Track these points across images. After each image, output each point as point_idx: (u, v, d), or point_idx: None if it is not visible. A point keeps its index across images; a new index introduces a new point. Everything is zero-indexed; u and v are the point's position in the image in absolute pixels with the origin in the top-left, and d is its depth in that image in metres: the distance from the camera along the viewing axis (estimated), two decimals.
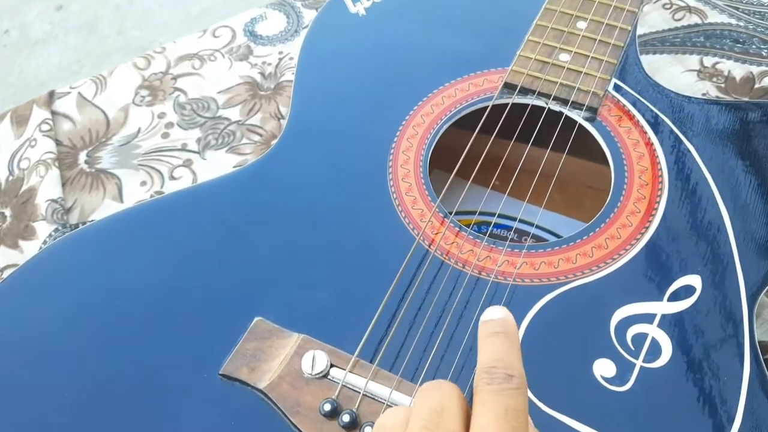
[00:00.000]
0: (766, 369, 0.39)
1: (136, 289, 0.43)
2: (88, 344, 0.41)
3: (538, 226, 0.55)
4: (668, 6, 0.73)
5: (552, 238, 0.55)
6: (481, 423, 0.29)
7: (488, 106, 0.52)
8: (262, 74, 0.69)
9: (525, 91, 0.53)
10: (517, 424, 0.29)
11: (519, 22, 0.57)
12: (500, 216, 0.53)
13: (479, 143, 0.50)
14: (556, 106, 0.52)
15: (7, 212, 0.60)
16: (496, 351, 0.32)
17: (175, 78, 0.69)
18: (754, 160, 0.49)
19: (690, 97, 0.53)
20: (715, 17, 0.72)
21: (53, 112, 0.67)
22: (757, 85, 0.66)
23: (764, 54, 0.68)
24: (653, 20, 0.72)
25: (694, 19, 0.72)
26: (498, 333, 0.33)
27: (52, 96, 0.68)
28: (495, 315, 0.34)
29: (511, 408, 0.30)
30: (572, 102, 0.52)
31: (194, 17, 1.08)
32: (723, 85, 0.66)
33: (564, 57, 0.54)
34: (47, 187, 0.61)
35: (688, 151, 0.50)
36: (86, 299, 0.43)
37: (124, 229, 0.47)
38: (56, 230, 0.58)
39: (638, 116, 0.52)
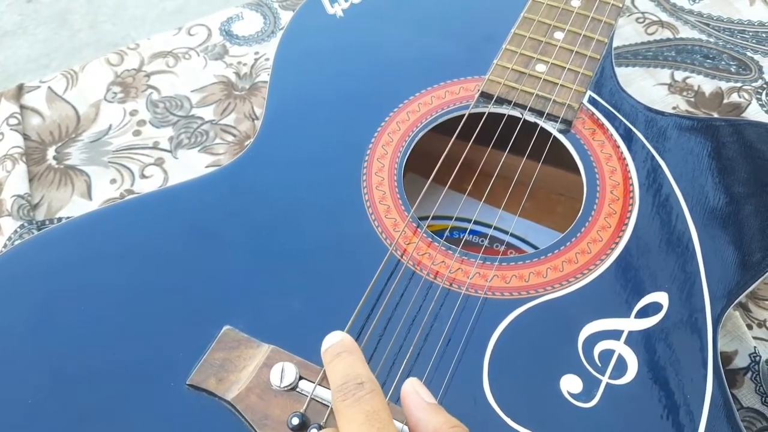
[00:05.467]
0: (727, 386, 0.40)
1: (104, 293, 0.43)
2: (51, 347, 0.40)
3: (512, 234, 0.56)
4: (641, 20, 0.74)
5: (523, 245, 0.56)
6: None
7: (464, 115, 0.52)
8: (237, 74, 0.68)
9: (501, 101, 0.53)
10: (381, 424, 0.32)
11: (497, 30, 0.57)
12: (474, 222, 0.53)
13: (455, 149, 0.50)
14: (531, 117, 0.52)
15: None
16: (341, 368, 0.35)
17: (148, 75, 0.68)
18: (723, 178, 0.50)
19: (663, 112, 0.54)
20: (686, 32, 0.73)
21: (22, 106, 0.65)
22: (725, 101, 0.67)
23: (733, 70, 0.69)
24: (626, 33, 0.73)
25: (666, 33, 0.73)
26: (339, 353, 0.36)
27: (21, 89, 0.67)
28: (332, 340, 0.36)
29: (371, 412, 0.32)
30: (547, 114, 0.52)
31: (169, 13, 1.06)
32: (693, 99, 0.67)
33: (540, 68, 0.54)
34: (13, 183, 0.59)
35: (660, 166, 0.50)
36: (51, 302, 0.42)
37: (95, 230, 0.46)
38: (22, 227, 0.57)
39: (612, 130, 0.52)
